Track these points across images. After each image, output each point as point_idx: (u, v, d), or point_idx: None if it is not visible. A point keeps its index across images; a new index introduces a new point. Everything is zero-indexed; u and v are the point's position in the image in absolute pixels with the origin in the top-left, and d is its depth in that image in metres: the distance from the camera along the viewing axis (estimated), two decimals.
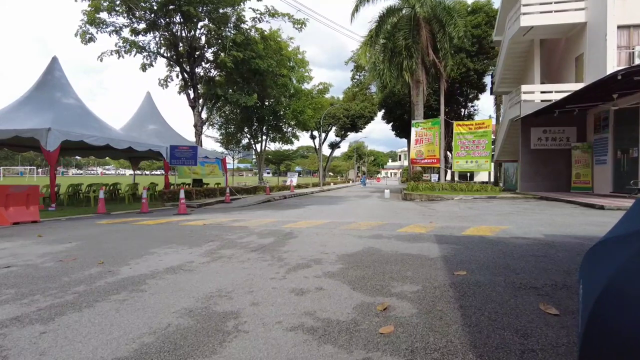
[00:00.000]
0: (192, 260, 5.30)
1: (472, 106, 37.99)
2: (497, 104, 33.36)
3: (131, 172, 26.63)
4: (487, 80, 33.44)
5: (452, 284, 4.10)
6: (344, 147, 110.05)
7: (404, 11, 24.09)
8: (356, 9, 23.99)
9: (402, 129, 39.05)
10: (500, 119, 27.76)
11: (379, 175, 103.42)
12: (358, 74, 46.76)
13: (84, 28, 20.92)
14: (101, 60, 22.99)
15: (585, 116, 19.04)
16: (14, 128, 12.96)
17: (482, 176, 37.87)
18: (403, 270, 4.71)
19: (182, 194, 12.90)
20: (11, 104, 15.14)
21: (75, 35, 21.08)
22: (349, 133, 53.58)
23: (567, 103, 16.04)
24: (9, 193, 9.65)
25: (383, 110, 42.57)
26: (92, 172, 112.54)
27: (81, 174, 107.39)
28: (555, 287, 4.00)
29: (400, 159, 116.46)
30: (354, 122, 48.78)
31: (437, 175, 26.80)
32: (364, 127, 51.48)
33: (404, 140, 43.76)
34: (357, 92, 49.17)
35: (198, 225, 9.28)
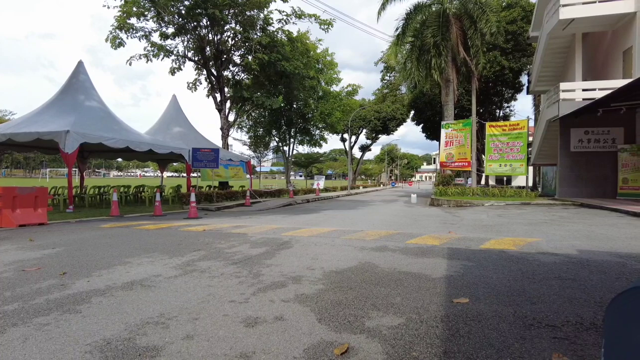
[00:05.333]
0: (159, 274, 4.75)
1: (508, 107, 35.96)
2: (536, 104, 31.38)
3: (169, 174, 26.96)
4: (524, 79, 31.54)
5: (444, 317, 3.30)
6: (376, 150, 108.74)
7: (432, 7, 22.99)
8: (382, 7, 23.12)
9: (433, 131, 37.59)
10: (538, 119, 25.99)
11: (411, 179, 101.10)
12: (388, 74, 45.65)
13: (114, 33, 21.26)
14: (130, 64, 23.36)
15: (635, 115, 17.26)
16: (35, 130, 13.14)
17: (520, 180, 35.78)
18: (392, 294, 3.95)
19: (192, 197, 12.56)
20: (38, 108, 15.45)
21: (106, 40, 21.46)
22: (380, 135, 52.43)
23: (612, 101, 14.48)
24: (15, 195, 9.58)
25: (413, 112, 41.23)
26: (132, 174, 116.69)
27: (121, 175, 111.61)
28: (579, 326, 3.12)
29: (435, 162, 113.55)
30: (385, 124, 47.61)
31: (471, 179, 25.42)
32: (396, 130, 50.23)
33: (437, 143, 42.25)
34: (388, 93, 48.01)
35: (197, 231, 8.81)
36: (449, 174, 25.22)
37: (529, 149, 23.37)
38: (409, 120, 47.24)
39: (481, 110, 32.66)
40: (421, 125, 40.75)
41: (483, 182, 32.78)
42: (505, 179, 41.58)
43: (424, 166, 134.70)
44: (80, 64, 16.99)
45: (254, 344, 2.74)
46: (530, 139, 25.06)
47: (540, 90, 24.79)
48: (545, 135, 20.20)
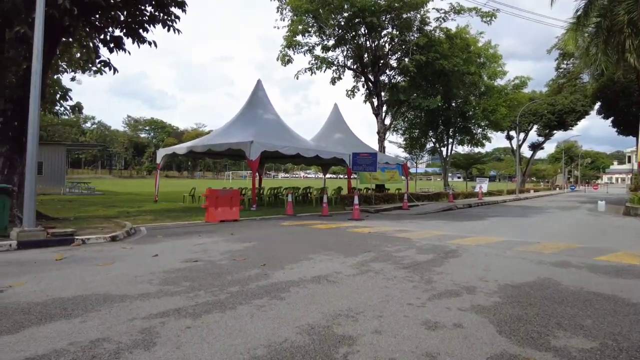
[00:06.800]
0: (340, 271, 5.35)
1: None
2: None
3: (328, 175, 29.25)
4: None
5: None
6: (550, 147, 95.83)
7: None
8: None
9: (628, 125, 31.30)
10: None
11: (597, 182, 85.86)
12: (565, 62, 39.78)
13: (284, 52, 24.01)
14: (297, 78, 26.27)
15: None
16: (227, 142, 15.88)
17: None
18: (581, 315, 3.67)
19: (356, 200, 13.35)
20: (228, 122, 18.56)
21: (277, 59, 24.40)
22: (554, 131, 46.28)
23: None
24: (218, 196, 11.78)
25: (599, 103, 35.05)
26: (296, 175, 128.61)
27: (287, 177, 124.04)
28: None
29: (629, 161, 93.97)
30: (562, 119, 41.77)
31: None
32: (575, 124, 43.64)
33: (632, 139, 35.11)
34: (564, 83, 41.93)
35: (363, 232, 9.42)
36: None
37: None
38: (593, 112, 40.47)
39: None
40: (611, 119, 34.42)
41: None
42: None
43: (614, 166, 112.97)
44: (259, 82, 19.55)
45: (437, 346, 2.96)
46: None
47: None
48: None
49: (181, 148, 18.01)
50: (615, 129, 35.26)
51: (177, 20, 10.37)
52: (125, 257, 6.15)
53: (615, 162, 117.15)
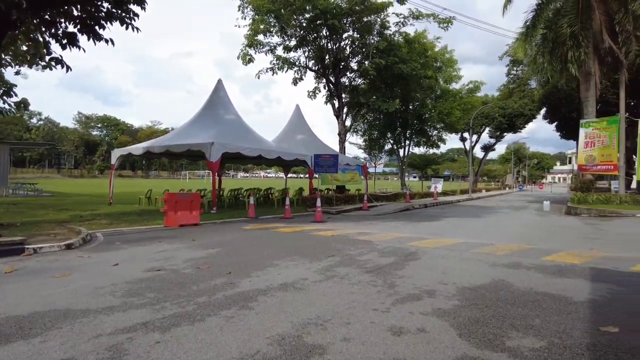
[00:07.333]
0: (306, 277, 5.44)
1: None
2: None
3: (290, 174, 29.17)
4: None
5: (591, 345, 3.26)
6: (501, 148, 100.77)
7: None
8: (509, 0, 21.59)
9: (570, 129, 33.56)
10: None
11: (542, 181, 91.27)
12: (515, 68, 42.14)
13: (245, 50, 23.74)
14: (258, 78, 25.91)
15: None
16: (187, 142, 15.52)
17: None
18: (531, 316, 3.97)
19: (318, 202, 13.50)
20: (188, 122, 18.14)
21: (238, 58, 24.09)
22: (505, 134, 48.88)
23: None
24: (177, 200, 11.52)
25: (545, 109, 37.37)
26: (256, 175, 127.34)
27: (247, 176, 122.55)
28: None
29: (570, 162, 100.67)
30: (512, 122, 44.18)
31: (617, 184, 22.25)
32: (524, 127, 46.29)
33: (573, 142, 37.71)
34: (514, 88, 44.36)
35: (327, 236, 9.56)
36: (589, 178, 22.47)
37: None
38: (539, 116, 43.08)
39: (632, 104, 28.21)
40: (555, 124, 36.77)
41: (634, 186, 28.25)
42: None
43: (557, 166, 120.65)
44: (219, 82, 19.21)
45: (403, 352, 3.12)
46: None
47: None
48: None
49: (137, 149, 17.40)
50: (559, 133, 37.71)
51: (135, 18, 10.01)
52: (84, 267, 5.92)
53: (558, 163, 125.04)
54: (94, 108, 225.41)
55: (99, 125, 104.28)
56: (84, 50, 10.23)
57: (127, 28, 9.85)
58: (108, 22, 9.82)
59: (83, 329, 3.50)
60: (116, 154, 18.37)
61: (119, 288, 4.80)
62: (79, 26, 9.72)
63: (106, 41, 9.91)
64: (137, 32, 10.03)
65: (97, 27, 9.75)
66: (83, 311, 3.97)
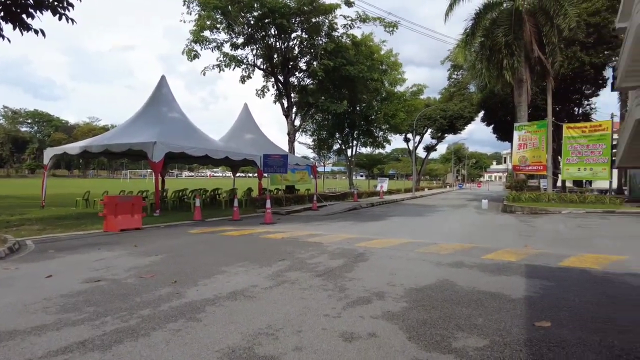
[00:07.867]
0: (256, 284, 5.34)
1: (589, 104, 33.26)
2: (623, 100, 28.75)
3: (238, 174, 28.58)
4: (609, 72, 29.03)
5: (527, 341, 3.48)
6: (442, 149, 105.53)
7: (504, 5, 22.13)
8: (450, 8, 22.64)
9: (505, 132, 35.93)
10: (626, 117, 23.89)
11: (480, 180, 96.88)
12: (455, 73, 44.32)
13: (190, 46, 22.92)
14: (204, 74, 25.16)
15: None
16: (128, 142, 14.73)
17: (602, 183, 33.01)
18: (474, 315, 4.17)
19: (268, 204, 13.34)
20: (128, 120, 17.22)
21: (182, 53, 23.19)
22: (446, 135, 51.21)
23: None
24: (117, 203, 10.88)
25: (483, 112, 39.70)
26: (202, 174, 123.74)
27: (192, 176, 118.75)
28: None
29: (505, 162, 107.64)
30: (452, 123, 46.36)
31: (545, 182, 24.09)
32: (464, 129, 48.76)
33: (508, 143, 40.38)
34: (455, 92, 46.62)
35: (277, 239, 9.47)
36: (522, 177, 24.13)
37: (613, 150, 21.65)
38: (478, 118, 45.63)
39: (557, 109, 30.66)
40: (492, 126, 39.16)
41: (559, 184, 30.75)
42: (584, 181, 38.59)
43: (494, 166, 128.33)
44: (163, 78, 18.40)
45: (355, 359, 3.14)
46: (616, 136, 23.17)
47: (629, 87, 22.76)
48: (634, 137, 18.65)
49: (74, 148, 16.25)
50: (495, 135, 40.18)
51: (70, 7, 9.32)
52: (11, 281, 5.41)
53: (495, 162, 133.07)
54: (23, 102, 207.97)
55: (29, 121, 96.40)
56: (9, 41, 9.37)
57: (60, 18, 9.16)
58: (37, 11, 9.09)
59: (9, 354, 3.18)
60: (49, 153, 17.03)
61: (52, 303, 4.44)
62: (2, 13, 8.90)
63: (35, 32, 9.15)
64: (73, 23, 9.36)
65: (24, 16, 8.97)
66: (9, 332, 3.61)
